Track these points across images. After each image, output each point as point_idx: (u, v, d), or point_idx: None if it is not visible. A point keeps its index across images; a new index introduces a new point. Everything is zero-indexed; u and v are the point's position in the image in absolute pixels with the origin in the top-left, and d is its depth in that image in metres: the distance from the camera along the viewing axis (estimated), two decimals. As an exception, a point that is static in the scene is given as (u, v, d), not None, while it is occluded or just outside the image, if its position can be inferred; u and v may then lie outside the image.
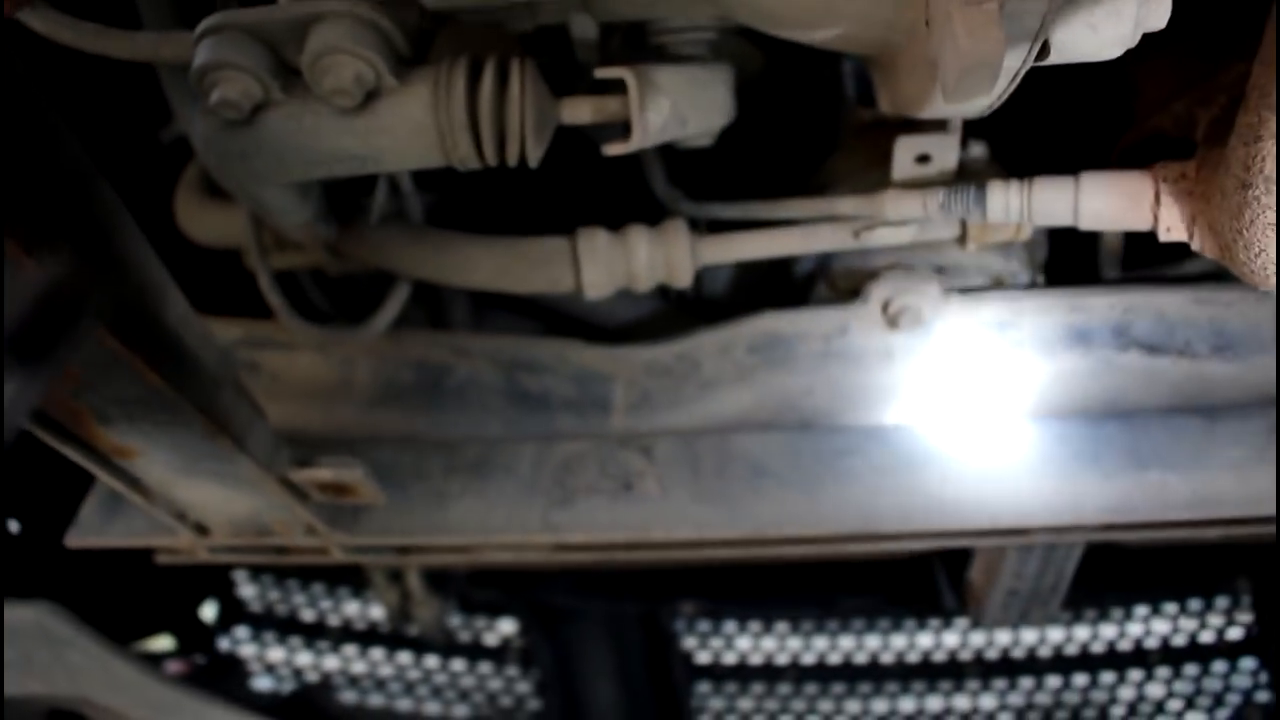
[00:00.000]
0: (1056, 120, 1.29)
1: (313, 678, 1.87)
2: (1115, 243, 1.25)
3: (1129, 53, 0.91)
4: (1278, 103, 0.76)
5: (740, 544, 1.18)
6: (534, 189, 1.50)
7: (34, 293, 0.65)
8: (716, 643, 1.98)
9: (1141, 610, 1.98)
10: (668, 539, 1.16)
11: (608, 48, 1.07)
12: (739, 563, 1.94)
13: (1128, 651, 1.95)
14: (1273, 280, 0.86)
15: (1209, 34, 1.08)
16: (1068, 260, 1.29)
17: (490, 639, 1.96)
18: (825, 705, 1.92)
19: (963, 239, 1.11)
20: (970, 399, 1.21)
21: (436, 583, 1.80)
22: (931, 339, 1.20)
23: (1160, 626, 1.96)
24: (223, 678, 1.82)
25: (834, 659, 1.97)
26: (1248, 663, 1.91)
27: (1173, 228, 0.94)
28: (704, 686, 1.95)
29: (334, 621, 1.95)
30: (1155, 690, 1.91)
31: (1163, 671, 1.92)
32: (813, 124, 1.43)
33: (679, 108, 0.98)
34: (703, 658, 1.97)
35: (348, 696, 1.86)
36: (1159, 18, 0.77)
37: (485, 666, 1.94)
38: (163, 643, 1.80)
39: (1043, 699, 1.92)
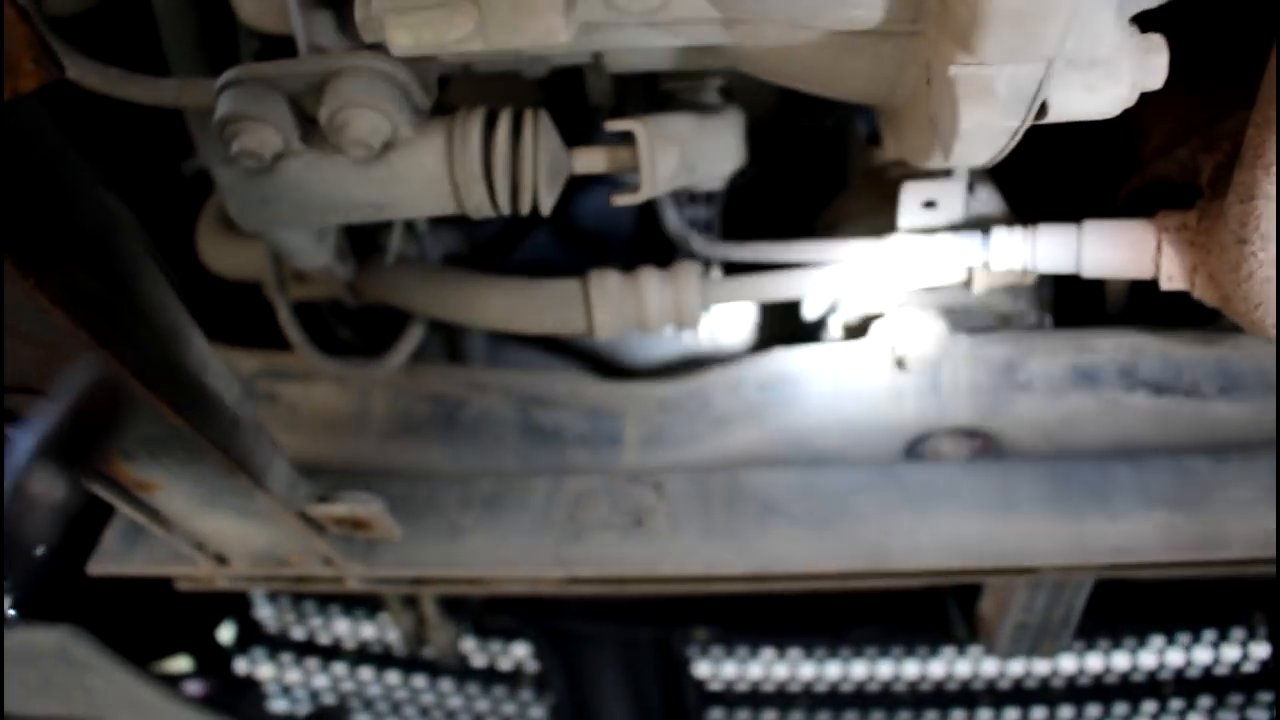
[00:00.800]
0: (1069, 162, 1.30)
1: (329, 699, 1.89)
2: (1121, 284, 1.26)
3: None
4: (1277, 163, 0.78)
5: (750, 580, 1.19)
6: (551, 226, 1.52)
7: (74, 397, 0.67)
8: (729, 669, 1.99)
9: (1157, 641, 1.97)
10: (678, 575, 1.17)
11: (622, 93, 1.09)
12: (752, 592, 1.95)
13: (1141, 682, 1.95)
14: (1273, 331, 0.87)
15: (1214, 79, 1.09)
16: (1076, 299, 1.30)
17: (504, 663, 1.98)
18: (836, 732, 1.93)
19: (969, 282, 1.12)
20: (978, 439, 1.23)
21: (451, 608, 1.82)
22: (939, 379, 1.21)
23: (1174, 658, 1.96)
24: (240, 699, 1.84)
25: (846, 687, 1.97)
26: (1264, 696, 1.90)
27: (1174, 277, 0.95)
28: (717, 713, 1.96)
29: (350, 644, 1.97)
30: (1168, 722, 1.91)
31: (1176, 704, 1.92)
32: (825, 163, 1.45)
33: (688, 156, 1.00)
34: (715, 684, 1.98)
35: (363, 719, 1.89)
36: (1156, 78, 0.79)
37: (499, 690, 1.95)
38: (181, 664, 1.83)
39: (1055, 730, 1.93)
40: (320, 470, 1.33)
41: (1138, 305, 1.30)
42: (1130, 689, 1.93)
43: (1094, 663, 1.97)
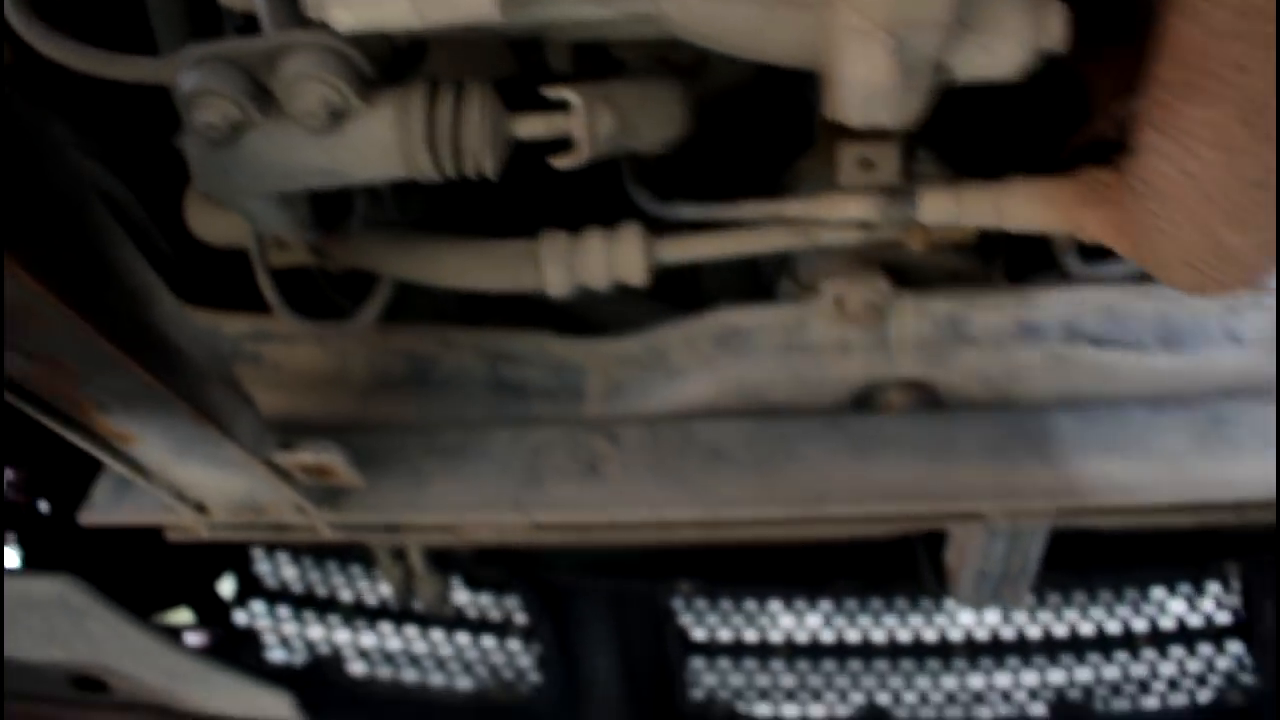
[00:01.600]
0: (1027, 119, 1.34)
1: (325, 651, 1.97)
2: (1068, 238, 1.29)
3: (1080, 54, 0.96)
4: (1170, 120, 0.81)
5: (698, 526, 1.25)
6: (528, 189, 1.57)
7: None
8: (712, 620, 2.05)
9: (1131, 594, 2.02)
10: (628, 518, 1.23)
11: (582, 61, 1.14)
12: (735, 544, 2.01)
13: (1116, 634, 2.00)
14: (1175, 283, 0.91)
15: (1151, 36, 1.12)
16: (1027, 254, 1.34)
17: (494, 615, 2.05)
18: (815, 681, 1.99)
19: (915, 239, 1.16)
20: (923, 391, 1.27)
21: (440, 561, 1.89)
22: (887, 333, 1.26)
23: (1149, 610, 2.01)
24: (239, 650, 1.92)
25: (826, 637, 2.03)
26: (1234, 646, 1.95)
27: (1091, 231, 0.99)
28: (698, 662, 2.03)
29: (346, 597, 2.05)
30: (1139, 671, 1.96)
31: (1149, 654, 1.97)
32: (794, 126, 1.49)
33: (627, 121, 1.05)
34: (698, 635, 2.05)
35: (357, 668, 1.96)
36: (1054, 39, 0.82)
37: (489, 641, 2.03)
38: (182, 616, 1.91)
39: (1029, 679, 1.98)
40: (303, 426, 1.39)
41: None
42: (1104, 641, 1.97)
43: (1070, 615, 2.02)
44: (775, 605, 2.06)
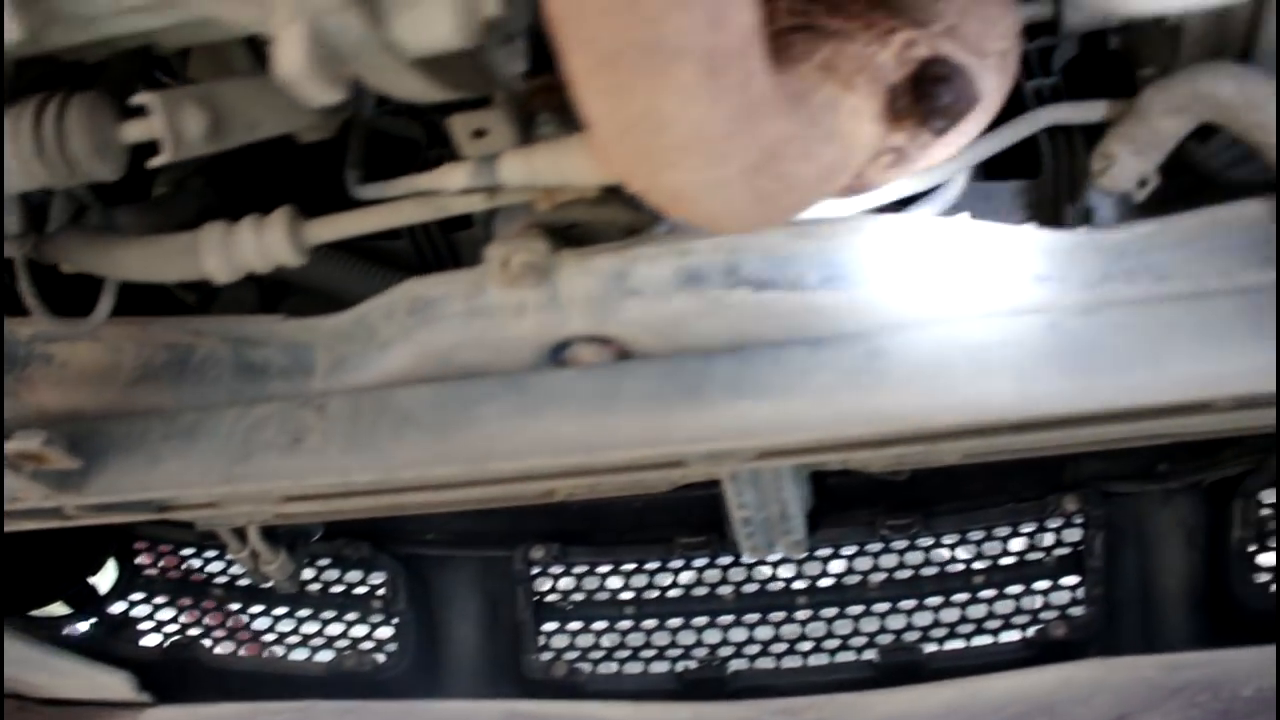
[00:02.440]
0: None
1: (195, 633, 2.09)
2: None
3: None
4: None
5: (381, 491, 1.33)
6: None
7: None
8: (565, 583, 2.12)
9: (975, 533, 2.03)
10: (319, 484, 1.31)
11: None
12: (591, 505, 2.08)
13: (957, 573, 2.01)
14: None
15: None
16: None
17: (359, 590, 2.15)
18: (661, 638, 2.04)
19: (541, 200, 1.21)
20: (612, 345, 1.32)
21: (287, 541, 1.99)
22: (558, 291, 1.31)
23: (991, 549, 2.02)
24: (115, 638, 2.05)
25: (673, 594, 2.09)
26: (1069, 579, 1.95)
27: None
28: (551, 625, 2.10)
29: (221, 580, 2.17)
30: (977, 611, 1.97)
31: (987, 593, 1.98)
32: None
33: (239, 116, 1.12)
34: (551, 598, 2.11)
35: (224, 649, 2.08)
36: (490, 8, 0.87)
37: (352, 615, 2.13)
38: (58, 609, 2.04)
39: (869, 626, 2.00)
40: (81, 419, 1.51)
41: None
42: (943, 579, 1.99)
43: (914, 557, 2.04)
44: (627, 565, 2.11)
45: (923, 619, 1.99)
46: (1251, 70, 1.21)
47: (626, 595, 2.10)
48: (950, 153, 1.23)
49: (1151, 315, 1.26)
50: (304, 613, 2.14)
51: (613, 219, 1.32)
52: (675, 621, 2.06)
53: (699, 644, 2.04)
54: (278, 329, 1.46)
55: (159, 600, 2.14)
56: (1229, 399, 1.28)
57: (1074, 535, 1.97)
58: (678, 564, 2.10)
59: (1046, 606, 1.93)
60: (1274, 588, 1.81)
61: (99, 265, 1.34)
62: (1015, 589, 1.96)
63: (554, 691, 2.01)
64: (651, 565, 2.11)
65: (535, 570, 2.11)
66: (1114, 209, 1.42)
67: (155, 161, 1.09)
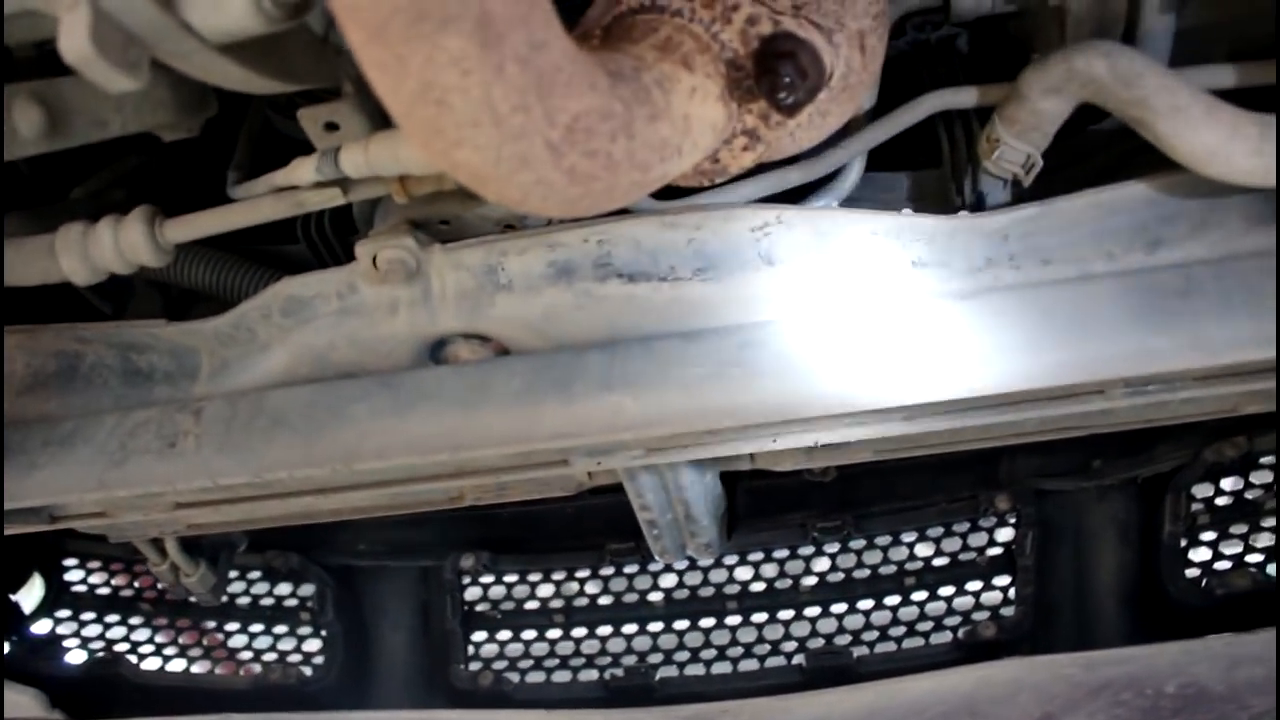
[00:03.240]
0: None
1: (122, 649, 2.06)
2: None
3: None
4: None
5: (254, 492, 1.30)
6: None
7: None
8: (495, 592, 2.09)
9: (907, 534, 2.00)
10: (189, 488, 1.28)
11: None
12: (522, 512, 2.06)
13: (889, 575, 1.97)
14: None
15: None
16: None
17: (289, 602, 2.12)
18: (590, 646, 2.01)
19: (396, 191, 1.19)
20: (491, 342, 1.30)
21: (209, 554, 1.96)
22: (430, 288, 1.29)
23: (923, 550, 1.98)
24: (35, 656, 2.02)
25: (603, 601, 2.05)
26: (1001, 579, 1.91)
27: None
28: (480, 634, 2.06)
29: (149, 595, 2.14)
30: (909, 613, 1.93)
31: (918, 594, 1.94)
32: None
33: (64, 116, 1.10)
34: (481, 606, 2.08)
35: (150, 665, 2.05)
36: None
37: (280, 627, 2.10)
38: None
39: (800, 630, 1.97)
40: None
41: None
42: (875, 582, 1.96)
43: (846, 560, 2.00)
44: (558, 574, 2.08)
45: (854, 622, 1.95)
46: (1123, 48, 1.18)
47: (556, 603, 2.06)
48: (817, 137, 1.20)
49: (1035, 300, 1.24)
50: (231, 626, 2.11)
51: (485, 213, 1.30)
52: (605, 629, 2.02)
53: (628, 651, 2.00)
54: (163, 334, 1.44)
55: (85, 617, 2.11)
56: (1117, 381, 1.25)
57: (1006, 534, 1.93)
58: (608, 571, 2.06)
59: (978, 607, 1.89)
60: (1204, 583, 1.77)
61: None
62: (947, 590, 1.92)
63: (481, 701, 1.98)
64: (582, 573, 2.07)
65: (465, 579, 2.08)
66: (1006, 195, 1.39)
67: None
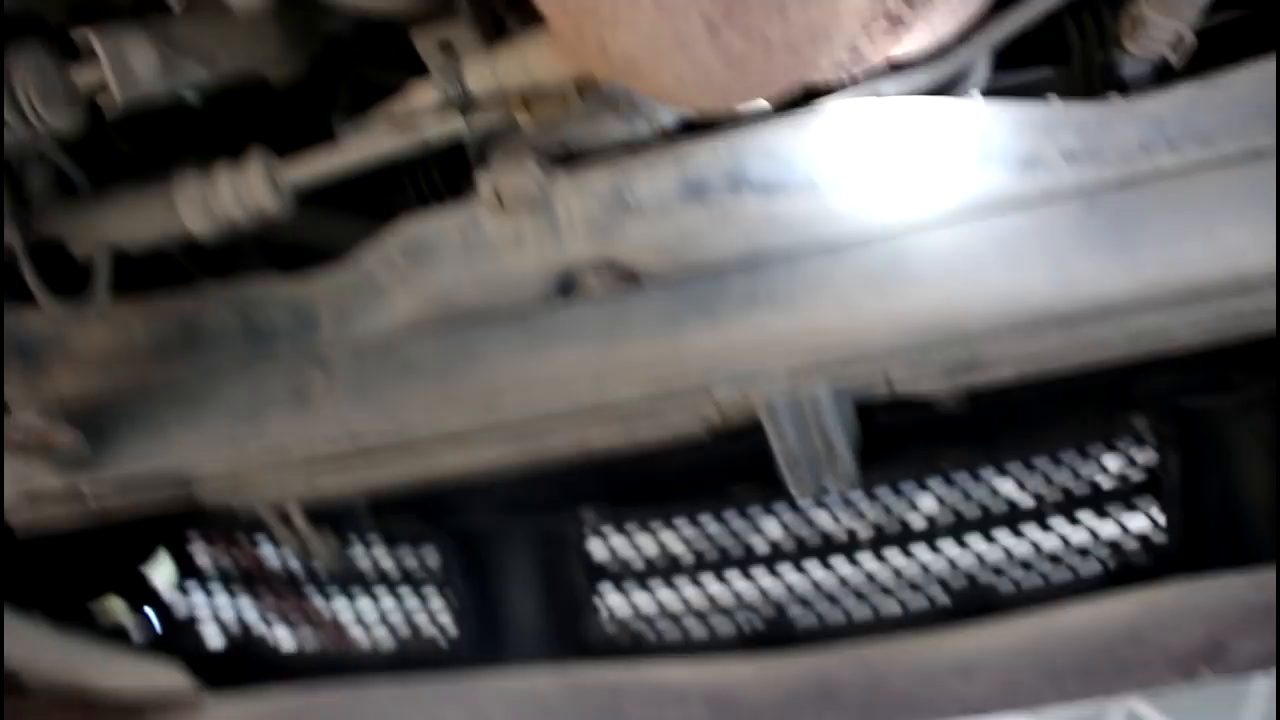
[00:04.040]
0: None
1: (251, 621, 2.07)
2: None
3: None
4: None
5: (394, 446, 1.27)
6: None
7: None
8: (618, 544, 2.04)
9: (1041, 462, 1.91)
10: (327, 444, 1.25)
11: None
12: (639, 465, 2.01)
13: (1027, 508, 1.89)
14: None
15: None
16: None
17: (413, 567, 2.10)
18: (720, 593, 1.96)
19: (520, 113, 1.14)
20: (599, 273, 1.24)
21: (332, 521, 1.95)
22: (555, 217, 1.24)
23: (1061, 478, 1.89)
24: (171, 631, 2.03)
25: (733, 549, 2.00)
26: (1147, 504, 1.82)
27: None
28: (607, 586, 2.02)
29: (275, 566, 2.14)
30: (1052, 545, 1.85)
31: (1061, 526, 1.86)
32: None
33: (195, 53, 1.07)
34: (606, 561, 2.04)
35: (282, 634, 2.05)
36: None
37: (406, 592, 2.08)
38: (114, 605, 2.03)
39: (939, 566, 1.89)
40: (95, 402, 1.48)
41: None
42: (1014, 514, 1.88)
43: (979, 494, 1.93)
44: (680, 520, 2.03)
45: (995, 557, 1.87)
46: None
47: (682, 550, 2.01)
48: (953, 24, 1.12)
49: (1200, 183, 1.15)
50: (358, 594, 2.10)
51: (605, 133, 1.24)
52: (734, 574, 1.97)
53: (760, 596, 1.95)
54: (279, 289, 1.41)
55: (214, 591, 2.12)
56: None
57: (1147, 456, 1.83)
58: (734, 516, 2.01)
59: (1125, 534, 1.80)
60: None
61: (75, 234, 1.30)
62: (1090, 519, 1.83)
63: (615, 654, 1.94)
64: (706, 519, 2.02)
65: (588, 533, 2.04)
66: (1151, 78, 1.29)
67: (106, 104, 1.05)
